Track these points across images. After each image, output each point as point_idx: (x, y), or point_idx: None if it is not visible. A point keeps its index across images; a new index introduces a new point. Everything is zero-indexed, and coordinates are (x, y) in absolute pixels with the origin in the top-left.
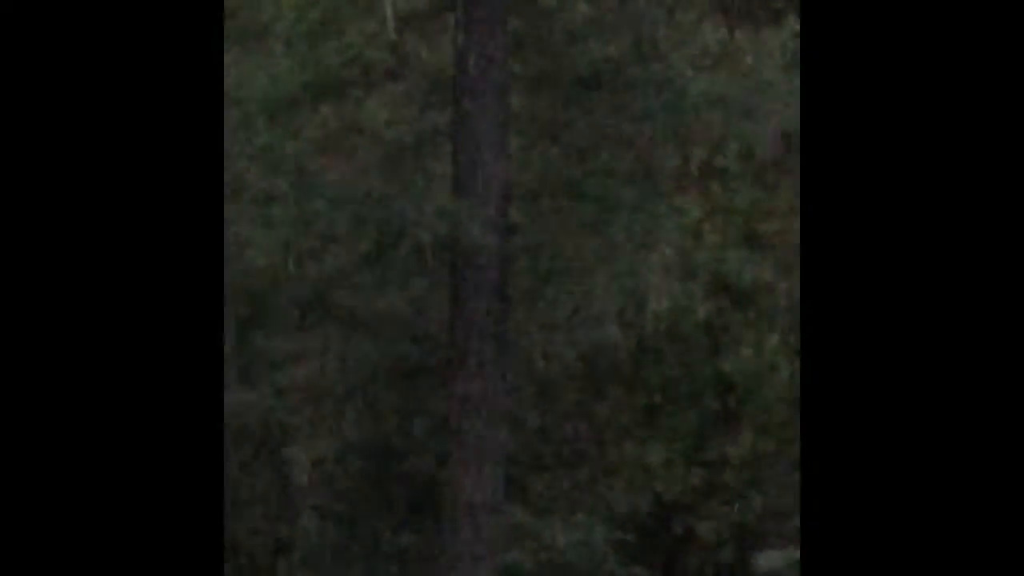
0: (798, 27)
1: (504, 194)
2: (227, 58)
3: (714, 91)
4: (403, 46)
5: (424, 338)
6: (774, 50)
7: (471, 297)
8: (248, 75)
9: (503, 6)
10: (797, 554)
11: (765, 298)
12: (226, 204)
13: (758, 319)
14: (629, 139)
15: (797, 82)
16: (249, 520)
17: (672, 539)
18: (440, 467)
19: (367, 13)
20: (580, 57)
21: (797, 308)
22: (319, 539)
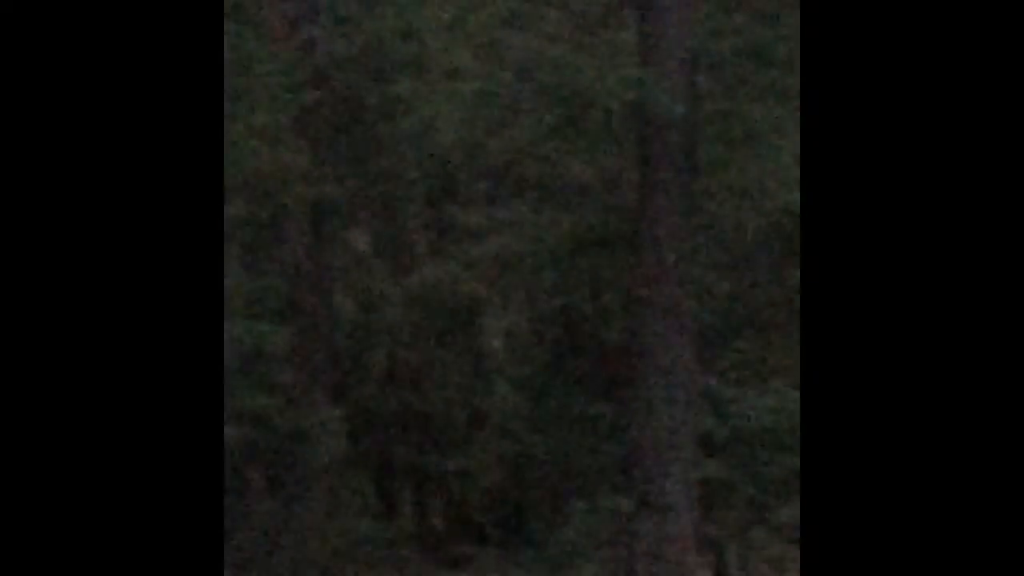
0: None
1: (691, 61)
2: None
3: None
4: None
5: (614, 208)
6: None
7: (660, 166)
8: None
9: None
10: None
11: None
12: (412, 80)
13: None
14: None
15: None
16: (444, 391)
17: None
18: (632, 337)
19: None
20: None
21: None
22: (513, 409)
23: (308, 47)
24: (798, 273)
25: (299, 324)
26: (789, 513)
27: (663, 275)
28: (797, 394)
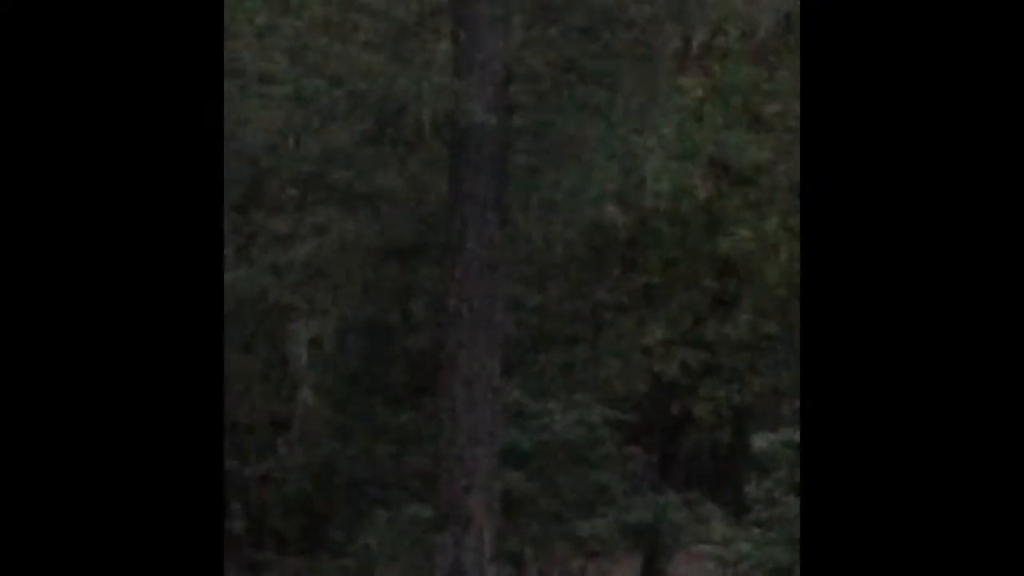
0: None
1: (504, 73)
2: None
3: None
4: None
5: (423, 218)
6: None
7: (470, 176)
8: None
9: None
10: (794, 435)
11: (765, 179)
12: (225, 82)
13: (758, 200)
14: (630, 20)
15: None
16: (248, 398)
17: (670, 420)
18: (438, 347)
19: None
20: None
21: (797, 189)
22: (318, 417)
23: None
24: (605, 288)
25: None
26: (590, 527)
27: (471, 286)
28: (600, 409)
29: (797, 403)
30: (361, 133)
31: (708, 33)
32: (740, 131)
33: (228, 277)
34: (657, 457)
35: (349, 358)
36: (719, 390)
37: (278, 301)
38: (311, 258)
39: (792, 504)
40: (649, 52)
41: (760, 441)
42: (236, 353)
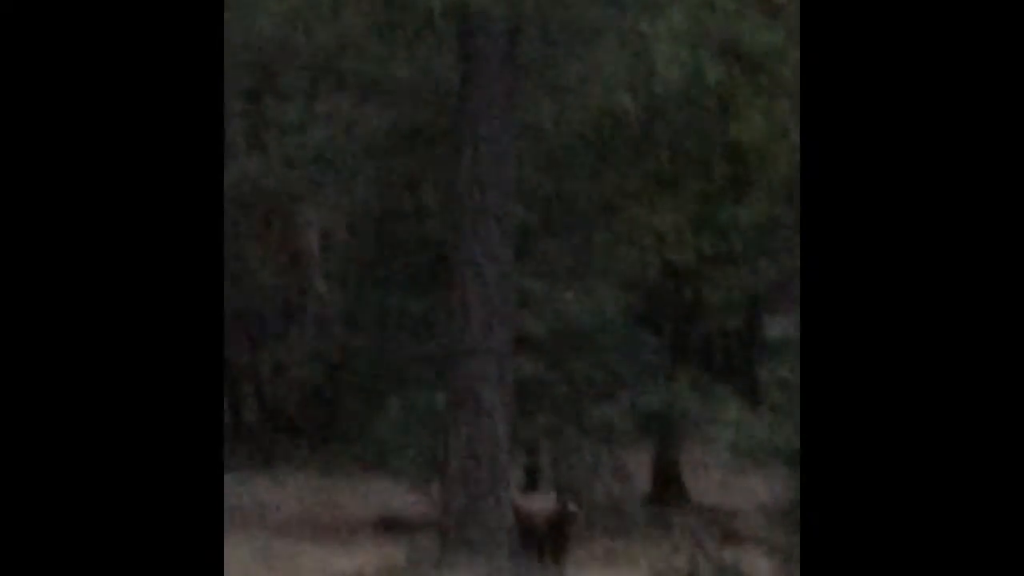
0: None
1: None
2: None
3: None
4: None
5: (434, 105)
6: None
7: (481, 64)
8: None
9: None
10: None
11: (776, 64)
12: None
13: (769, 85)
14: None
15: None
16: (261, 286)
17: (681, 305)
18: (451, 234)
19: None
20: None
21: None
22: (330, 305)
23: None
24: (617, 174)
25: None
26: (603, 413)
27: (482, 172)
28: (612, 295)
29: None
30: (371, 21)
31: None
32: (752, 16)
33: (239, 165)
34: (670, 343)
35: (361, 246)
36: (731, 275)
37: (289, 189)
38: (322, 146)
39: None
40: None
41: (772, 325)
42: (247, 241)
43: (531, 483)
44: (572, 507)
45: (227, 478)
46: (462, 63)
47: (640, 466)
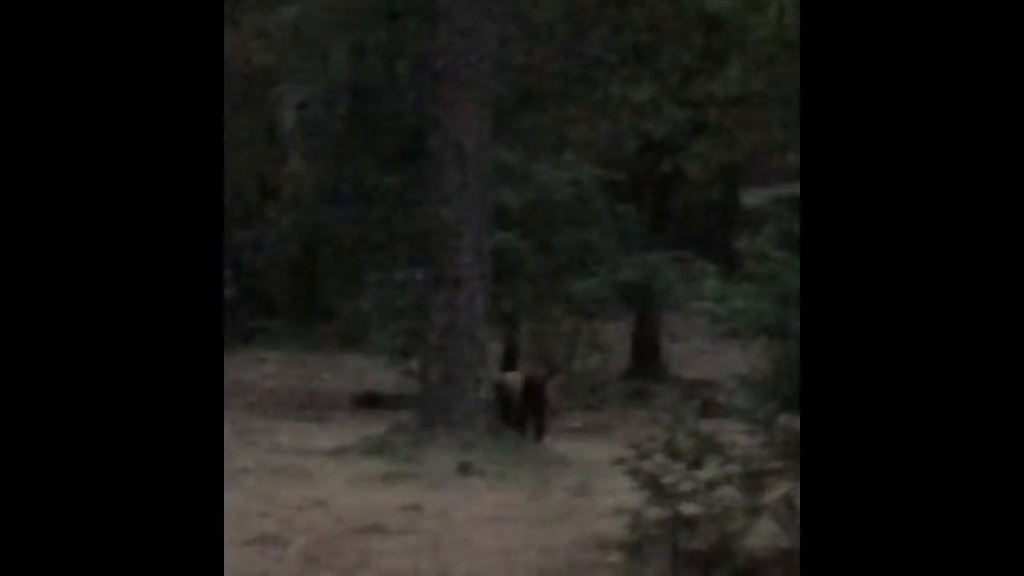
0: None
1: None
2: None
3: None
4: None
5: None
6: None
7: None
8: None
9: None
10: (784, 191)
11: None
12: None
13: None
14: None
15: None
16: (237, 162)
17: (660, 178)
18: (426, 108)
19: None
20: None
21: None
22: (306, 182)
23: None
24: (594, 46)
25: None
26: (582, 286)
27: (458, 44)
28: (589, 168)
29: (788, 157)
30: None
31: None
32: None
33: None
34: (648, 216)
35: (337, 122)
36: (709, 147)
37: (264, 64)
38: (296, 21)
39: (783, 259)
40: None
41: (750, 197)
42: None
43: (509, 357)
44: (541, 372)
45: None
46: None
47: (619, 340)
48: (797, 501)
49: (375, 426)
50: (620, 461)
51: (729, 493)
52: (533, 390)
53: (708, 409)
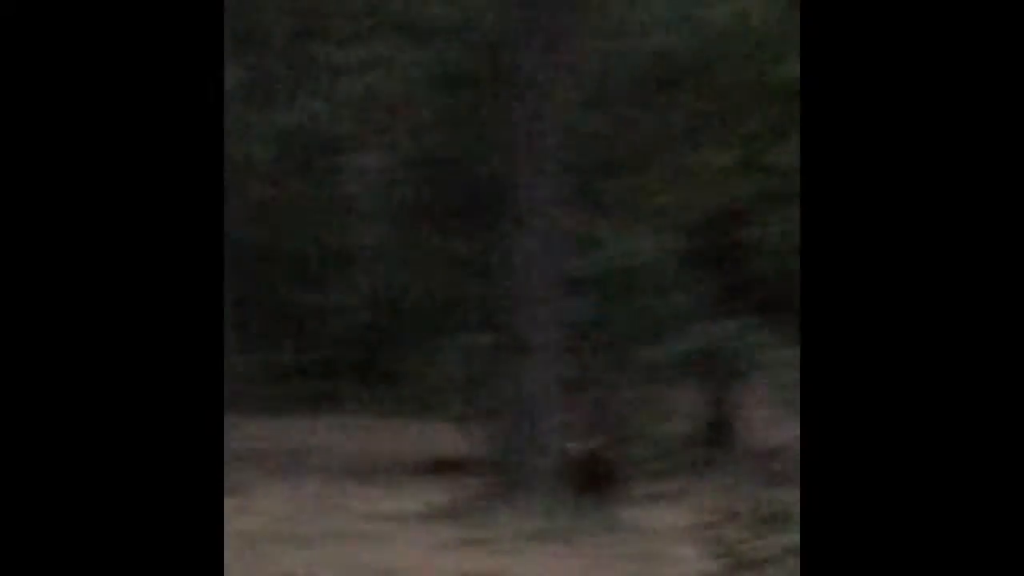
0: None
1: None
2: None
3: None
4: None
5: (478, 46)
6: None
7: (525, 3)
8: None
9: None
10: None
11: None
12: None
13: None
14: None
15: None
16: (308, 229)
17: (735, 246)
18: (499, 175)
19: None
20: None
21: None
22: (378, 247)
23: None
24: (670, 112)
25: None
26: (653, 354)
27: (531, 112)
28: (662, 236)
29: None
30: None
31: None
32: None
33: (287, 111)
34: (720, 285)
35: (412, 189)
36: (782, 216)
37: (337, 132)
38: (368, 89)
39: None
40: None
41: None
42: (296, 183)
43: (584, 423)
44: (610, 453)
45: (280, 421)
46: (504, 3)
47: (691, 408)
48: None
49: (446, 493)
50: (710, 526)
51: None
52: (604, 458)
53: (778, 478)
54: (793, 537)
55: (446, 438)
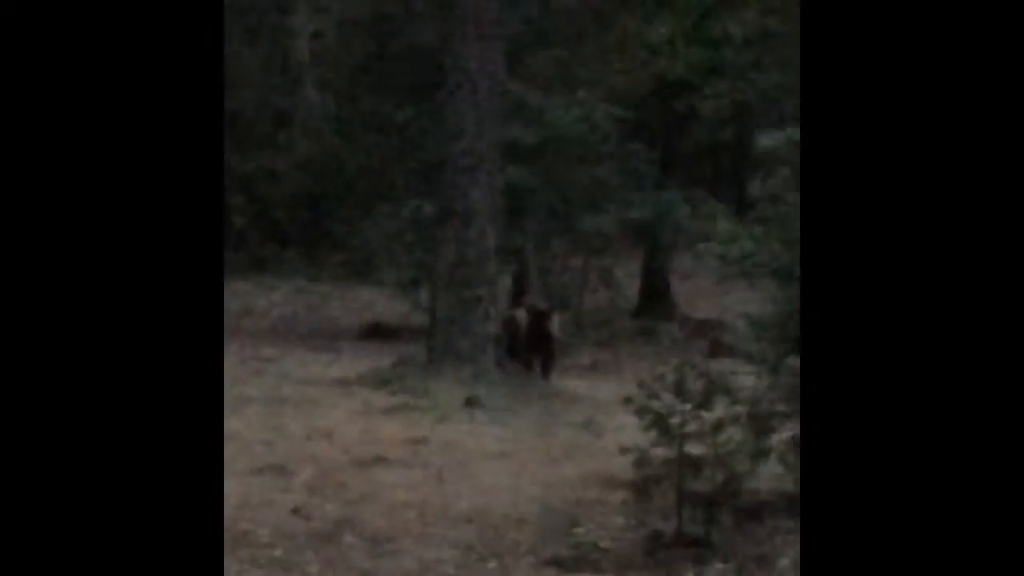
0: None
1: None
2: None
3: None
4: None
5: None
6: None
7: None
8: None
9: None
10: (797, 134)
11: None
12: None
13: None
14: None
15: None
16: (250, 91)
17: (673, 118)
18: (441, 44)
19: None
20: None
21: None
22: (320, 112)
23: None
24: None
25: None
26: (592, 222)
27: None
28: (603, 106)
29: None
30: None
31: None
32: None
33: None
34: (660, 155)
35: (351, 54)
36: (723, 88)
37: None
38: None
39: (795, 202)
40: None
41: (764, 139)
42: (239, 46)
43: (518, 292)
44: (549, 308)
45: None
46: None
47: (628, 278)
48: None
49: (382, 358)
50: (628, 400)
51: (735, 434)
52: (540, 326)
53: (715, 349)
54: (721, 412)
55: (385, 304)
